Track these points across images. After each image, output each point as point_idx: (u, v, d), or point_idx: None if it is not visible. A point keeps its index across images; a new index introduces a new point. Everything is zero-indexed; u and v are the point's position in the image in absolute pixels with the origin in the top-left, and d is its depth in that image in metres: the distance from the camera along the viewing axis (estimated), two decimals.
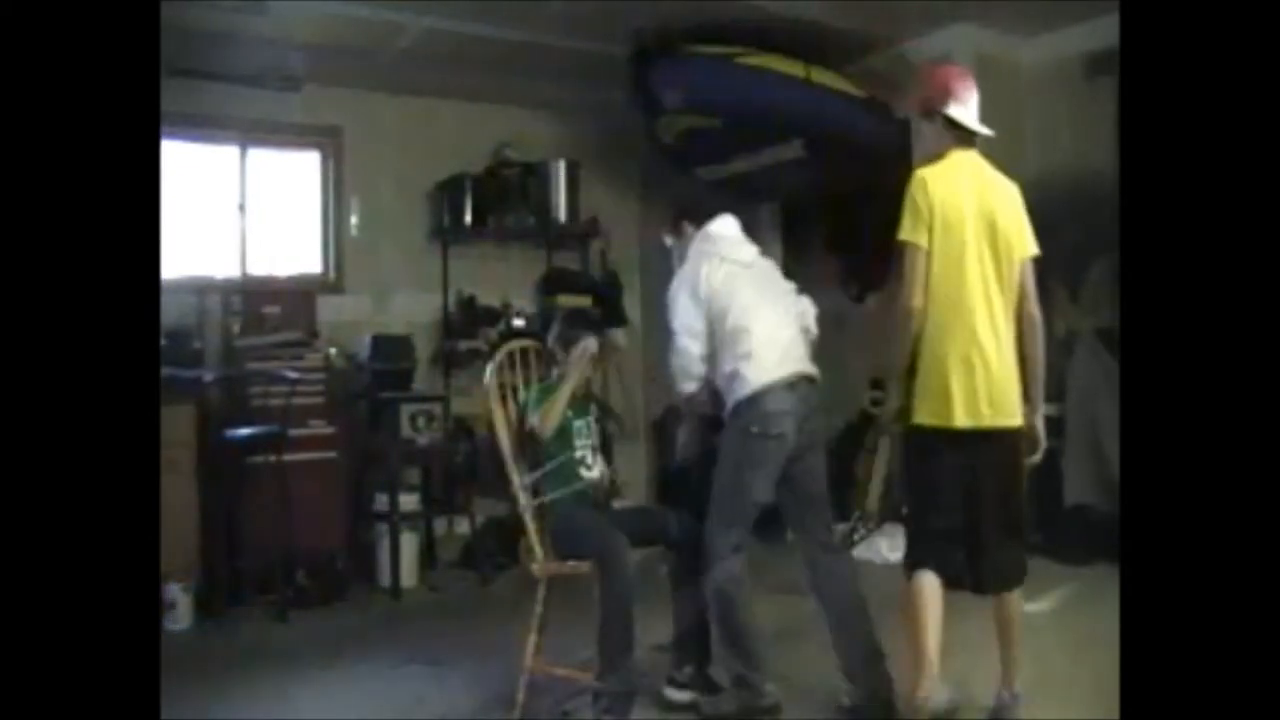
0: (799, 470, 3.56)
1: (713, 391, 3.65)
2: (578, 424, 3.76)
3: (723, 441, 3.53)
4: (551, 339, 3.86)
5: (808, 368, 3.59)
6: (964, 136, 3.42)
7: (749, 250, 3.77)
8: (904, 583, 3.33)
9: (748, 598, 3.52)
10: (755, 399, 3.44)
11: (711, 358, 3.57)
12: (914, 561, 3.33)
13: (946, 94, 3.41)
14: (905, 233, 3.26)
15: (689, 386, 3.62)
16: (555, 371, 3.83)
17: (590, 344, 3.73)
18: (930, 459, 3.31)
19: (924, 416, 3.25)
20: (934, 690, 3.22)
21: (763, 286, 3.68)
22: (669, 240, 3.92)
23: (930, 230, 3.24)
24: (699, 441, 3.94)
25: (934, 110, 3.41)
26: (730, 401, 3.51)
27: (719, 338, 3.53)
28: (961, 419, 3.20)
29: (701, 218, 3.80)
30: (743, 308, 3.52)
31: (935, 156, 3.41)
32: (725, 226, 3.78)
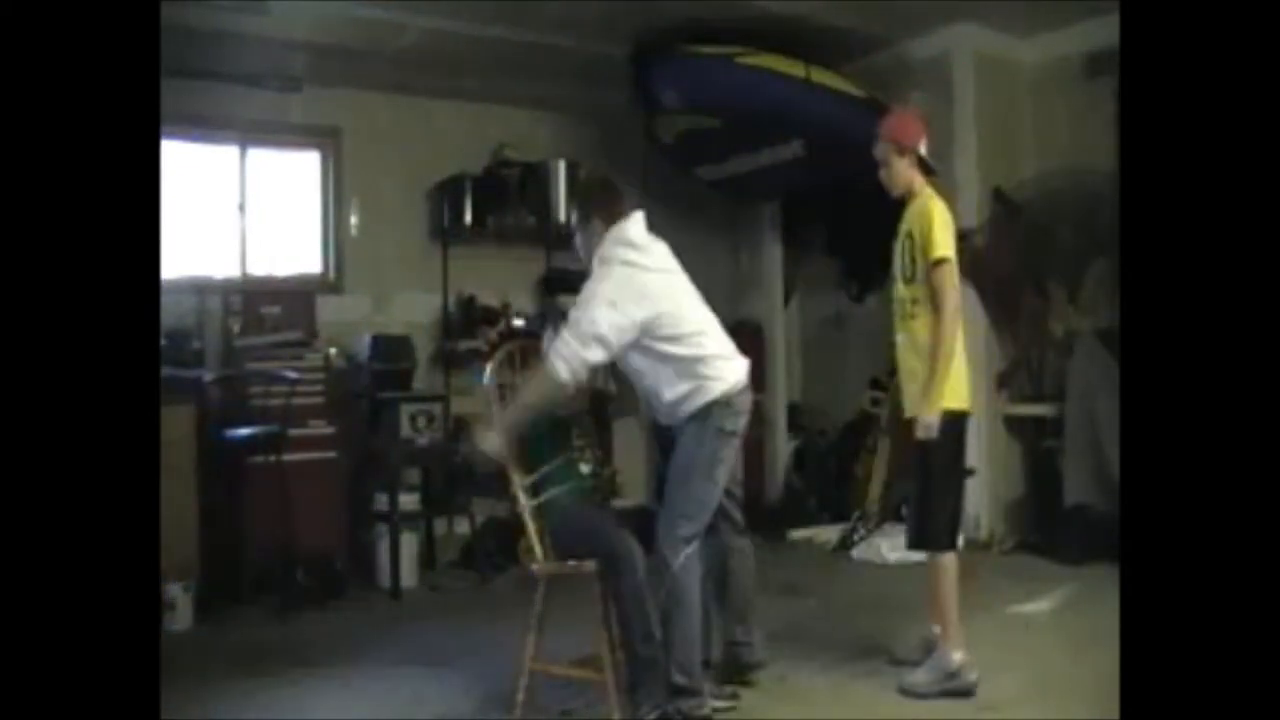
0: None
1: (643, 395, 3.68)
2: (575, 430, 3.76)
3: (689, 440, 3.49)
4: (548, 343, 3.83)
5: (747, 361, 3.67)
6: (928, 171, 3.96)
7: (664, 248, 3.67)
8: (933, 559, 3.83)
9: (699, 598, 3.46)
10: (728, 400, 3.49)
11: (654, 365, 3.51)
12: (942, 541, 3.84)
13: (919, 135, 3.96)
14: (944, 249, 3.76)
15: (581, 375, 3.41)
16: None
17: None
18: (951, 439, 3.83)
19: (951, 402, 3.77)
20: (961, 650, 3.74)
21: (689, 288, 3.67)
22: (579, 237, 3.76)
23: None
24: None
25: (907, 148, 3.91)
26: (698, 402, 3.47)
27: (669, 344, 3.47)
28: (966, 402, 3.86)
29: (610, 215, 3.62)
30: (688, 309, 3.57)
31: (908, 188, 3.93)
32: (639, 227, 3.61)
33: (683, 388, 3.48)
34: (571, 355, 3.35)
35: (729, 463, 3.56)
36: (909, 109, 4.11)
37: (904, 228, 3.93)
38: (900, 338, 3.94)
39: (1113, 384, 5.54)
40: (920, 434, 3.75)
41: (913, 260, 3.84)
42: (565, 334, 3.40)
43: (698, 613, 3.45)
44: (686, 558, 3.41)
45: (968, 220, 6.20)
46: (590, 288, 3.48)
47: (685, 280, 3.66)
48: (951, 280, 3.76)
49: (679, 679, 3.36)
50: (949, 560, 3.82)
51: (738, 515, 3.81)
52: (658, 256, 3.61)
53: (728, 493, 3.69)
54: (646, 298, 3.43)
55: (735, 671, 3.79)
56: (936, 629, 3.87)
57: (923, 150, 3.94)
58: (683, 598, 3.39)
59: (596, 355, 3.37)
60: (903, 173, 3.91)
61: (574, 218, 3.82)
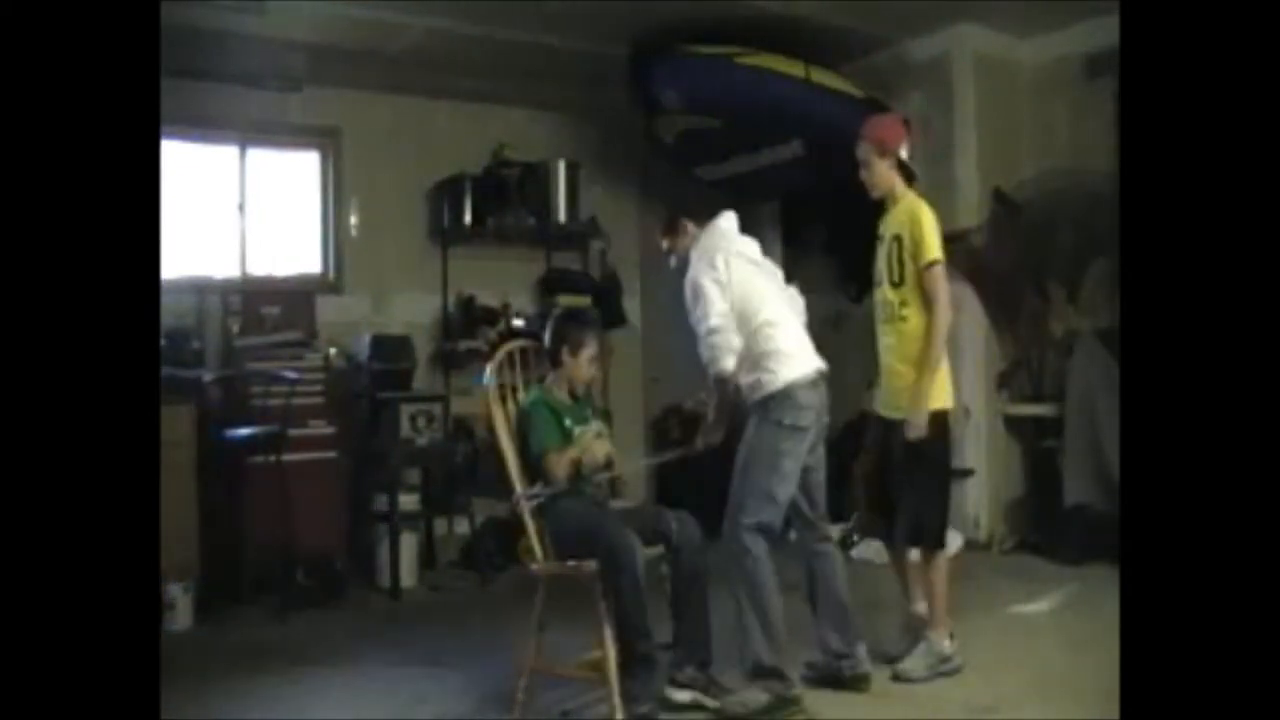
0: (811, 461, 3.71)
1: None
2: (577, 429, 3.76)
3: (751, 434, 3.60)
4: (549, 340, 3.84)
5: (822, 364, 3.72)
6: (908, 175, 3.99)
7: (754, 246, 3.86)
8: (926, 557, 3.94)
9: (776, 585, 3.53)
10: (788, 393, 3.56)
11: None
12: (936, 539, 3.94)
13: (901, 138, 3.98)
14: (936, 251, 3.81)
15: (729, 362, 3.57)
16: (553, 375, 3.83)
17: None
18: (940, 437, 3.87)
19: (936, 402, 3.81)
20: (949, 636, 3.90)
21: (772, 282, 3.81)
22: (665, 243, 3.94)
23: None
24: (724, 427, 3.85)
25: (890, 150, 3.93)
26: (759, 394, 3.58)
27: (742, 330, 3.60)
28: (950, 401, 3.93)
29: (701, 216, 3.86)
30: (764, 302, 3.66)
31: (889, 190, 3.97)
32: (730, 222, 3.85)
33: (748, 378, 3.60)
34: (710, 358, 3.58)
35: (796, 457, 3.59)
36: (894, 113, 4.13)
37: (888, 231, 3.97)
38: (889, 340, 3.96)
39: (1112, 384, 5.54)
40: (911, 435, 3.77)
41: (901, 263, 3.87)
42: (701, 346, 3.60)
43: (774, 596, 3.52)
44: (756, 544, 3.50)
45: (967, 220, 6.21)
46: (689, 284, 3.67)
47: (770, 275, 3.85)
48: (944, 282, 3.81)
49: (767, 659, 3.48)
50: (942, 556, 3.96)
51: (815, 520, 3.82)
52: (743, 248, 3.80)
53: (810, 499, 3.76)
54: (728, 286, 3.61)
55: (839, 685, 3.76)
56: (921, 607, 4.01)
57: (904, 154, 3.97)
58: (756, 580, 3.49)
59: (724, 342, 3.56)
60: (884, 175, 3.94)
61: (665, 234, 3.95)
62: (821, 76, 6.01)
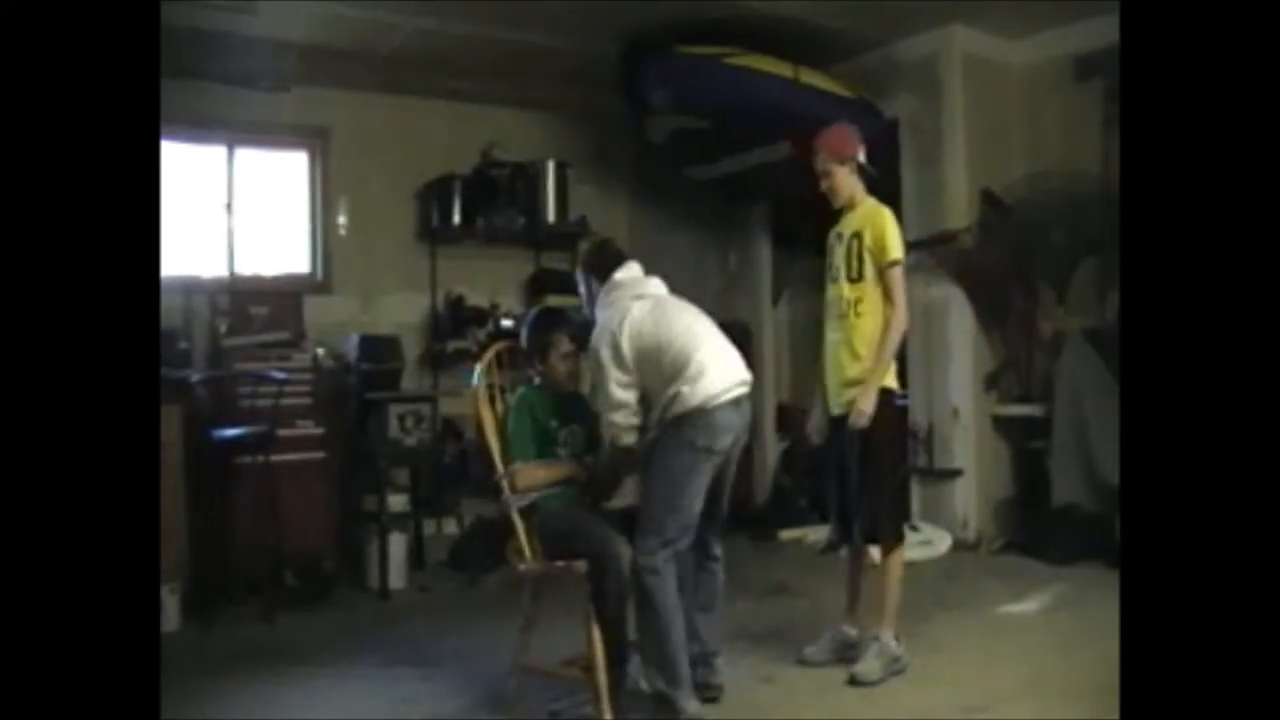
0: (721, 477, 3.57)
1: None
2: (563, 431, 3.76)
3: (661, 451, 3.43)
4: (525, 341, 3.84)
5: (747, 376, 3.56)
6: (868, 181, 4.07)
7: (657, 283, 3.70)
8: (887, 553, 3.96)
9: (677, 608, 3.37)
10: (703, 412, 3.37)
11: (647, 392, 3.49)
12: (895, 531, 4.03)
13: (856, 145, 4.07)
14: (899, 251, 3.91)
15: (628, 439, 3.49)
16: (536, 377, 3.83)
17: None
18: (893, 425, 4.06)
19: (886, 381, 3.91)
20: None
21: (685, 309, 3.63)
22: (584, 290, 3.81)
23: None
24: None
25: (847, 157, 4.02)
26: (673, 411, 3.39)
27: (659, 368, 3.43)
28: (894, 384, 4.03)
29: (606, 270, 3.68)
30: (678, 332, 3.47)
31: (850, 197, 4.04)
32: (628, 272, 3.68)
33: (664, 393, 3.42)
34: (614, 428, 3.49)
35: (706, 476, 3.42)
36: (844, 124, 4.25)
37: (846, 230, 4.02)
38: (837, 336, 3.99)
39: (1101, 384, 5.57)
40: (860, 423, 3.81)
41: (860, 260, 3.93)
42: (603, 414, 3.54)
43: (671, 615, 3.34)
44: (662, 563, 3.34)
45: (956, 221, 6.23)
46: (592, 343, 3.54)
47: (680, 306, 3.63)
48: (902, 282, 3.91)
49: (658, 684, 3.32)
50: (900, 552, 4.00)
51: (710, 540, 3.67)
52: (644, 289, 3.63)
53: (710, 516, 3.55)
54: (633, 343, 3.45)
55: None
56: (851, 630, 4.04)
57: (861, 158, 4.05)
58: (655, 601, 3.32)
59: (622, 420, 3.47)
60: (845, 181, 4.03)
61: (580, 276, 3.82)
62: (811, 77, 6.03)
